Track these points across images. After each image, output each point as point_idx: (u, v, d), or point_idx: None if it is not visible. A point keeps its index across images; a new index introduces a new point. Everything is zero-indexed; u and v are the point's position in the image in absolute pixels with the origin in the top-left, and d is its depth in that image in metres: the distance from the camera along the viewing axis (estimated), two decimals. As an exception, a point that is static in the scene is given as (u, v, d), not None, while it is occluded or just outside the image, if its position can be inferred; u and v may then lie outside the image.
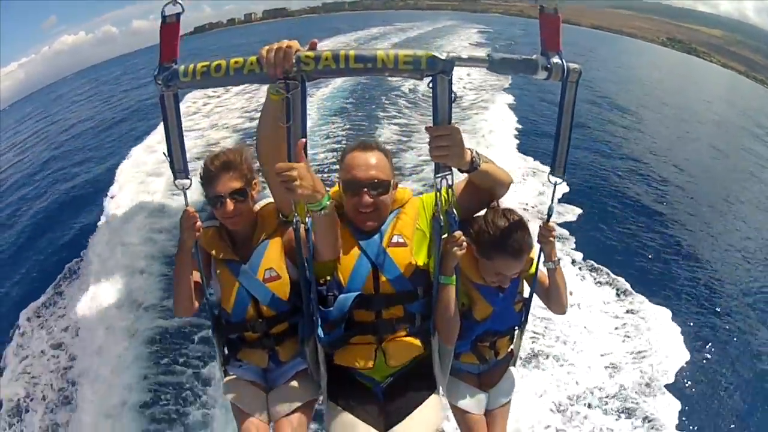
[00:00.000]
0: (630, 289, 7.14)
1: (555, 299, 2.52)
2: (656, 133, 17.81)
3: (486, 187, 2.30)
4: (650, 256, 8.71)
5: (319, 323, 2.23)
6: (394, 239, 2.25)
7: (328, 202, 1.94)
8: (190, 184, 2.23)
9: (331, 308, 2.21)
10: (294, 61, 1.75)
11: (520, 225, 2.31)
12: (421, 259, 2.28)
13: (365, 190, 2.18)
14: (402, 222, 2.30)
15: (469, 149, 1.99)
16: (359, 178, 2.18)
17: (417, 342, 2.33)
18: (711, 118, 24.62)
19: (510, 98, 17.13)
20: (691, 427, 5.21)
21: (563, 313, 2.61)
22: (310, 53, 1.77)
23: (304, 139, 1.86)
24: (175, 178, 2.19)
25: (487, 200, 2.38)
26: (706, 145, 18.66)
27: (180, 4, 1.92)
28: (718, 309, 7.48)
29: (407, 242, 2.26)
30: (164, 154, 2.19)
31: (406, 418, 2.27)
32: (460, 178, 2.24)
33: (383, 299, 2.24)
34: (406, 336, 2.31)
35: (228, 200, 2.26)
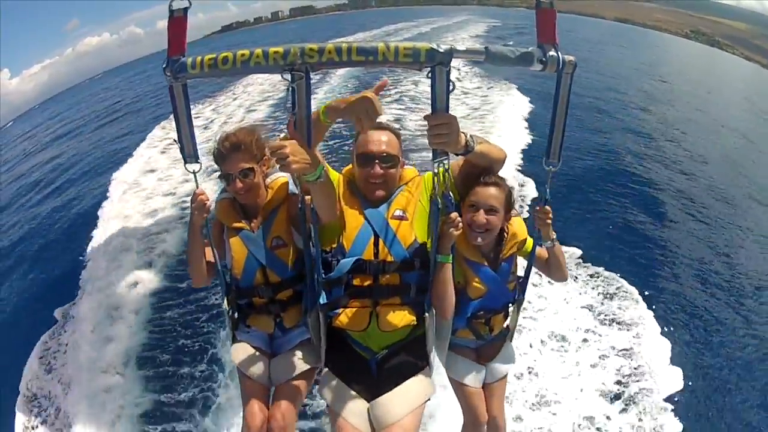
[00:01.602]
0: (626, 288, 6.66)
1: (555, 270, 2.57)
2: (676, 127, 16.82)
3: (482, 166, 2.36)
4: (660, 255, 8.07)
5: (321, 287, 2.31)
6: (397, 213, 2.33)
7: (321, 172, 1.98)
8: (200, 168, 2.30)
9: (333, 271, 2.29)
10: (299, 53, 1.79)
11: (493, 174, 2.42)
12: (419, 234, 2.34)
13: (376, 161, 2.28)
14: (405, 198, 2.38)
15: (463, 133, 2.04)
16: (372, 151, 2.28)
17: (410, 312, 2.37)
18: (730, 112, 23.33)
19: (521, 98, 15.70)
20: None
21: (565, 279, 2.67)
22: (314, 46, 1.80)
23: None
24: (186, 162, 2.27)
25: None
26: (729, 138, 17.75)
27: None
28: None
29: (408, 216, 2.34)
30: (174, 140, 2.26)
31: (393, 389, 2.33)
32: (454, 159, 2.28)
33: (381, 265, 2.29)
34: (400, 304, 2.36)
35: (237, 178, 2.36)
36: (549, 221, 2.37)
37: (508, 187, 2.45)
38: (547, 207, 2.36)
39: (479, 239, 2.42)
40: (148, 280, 7.05)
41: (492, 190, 2.38)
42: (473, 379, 2.69)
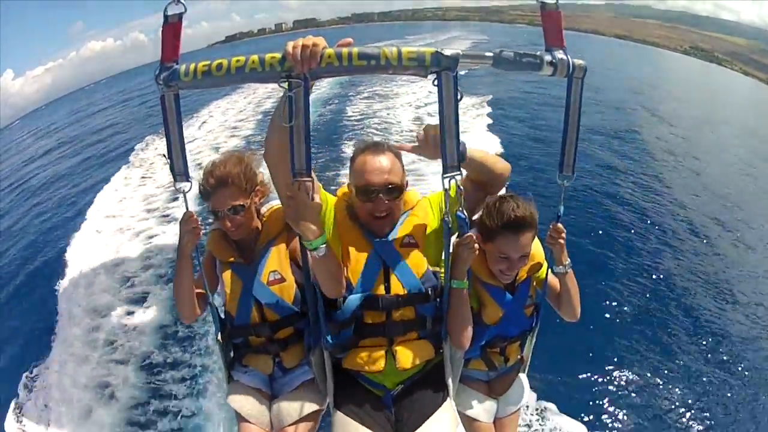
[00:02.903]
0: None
1: (566, 305, 2.34)
2: (668, 144, 16.45)
3: (484, 180, 2.17)
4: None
5: (327, 328, 2.13)
6: (406, 240, 2.13)
7: (321, 245, 1.87)
8: (191, 187, 2.11)
9: (340, 309, 2.10)
10: (319, 60, 1.67)
11: (521, 202, 2.14)
12: (432, 261, 2.17)
13: (380, 195, 2.04)
14: (413, 223, 2.16)
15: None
16: (374, 183, 2.03)
17: (428, 345, 2.21)
18: (726, 128, 22.51)
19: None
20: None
21: (575, 319, 2.37)
22: None
23: (310, 182, 1.83)
24: (175, 181, 2.07)
25: (488, 193, 2.23)
26: (725, 154, 17.28)
27: (182, 3, 1.87)
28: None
29: (419, 243, 2.14)
30: (164, 156, 2.08)
31: (420, 427, 2.12)
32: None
33: (394, 300, 2.10)
34: (417, 339, 2.19)
35: (226, 217, 2.19)
36: (562, 241, 2.16)
37: (535, 214, 2.15)
38: (560, 225, 2.15)
39: (508, 280, 2.26)
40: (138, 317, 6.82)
41: (527, 237, 2.13)
42: (484, 414, 2.53)
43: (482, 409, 2.52)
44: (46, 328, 6.99)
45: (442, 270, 2.14)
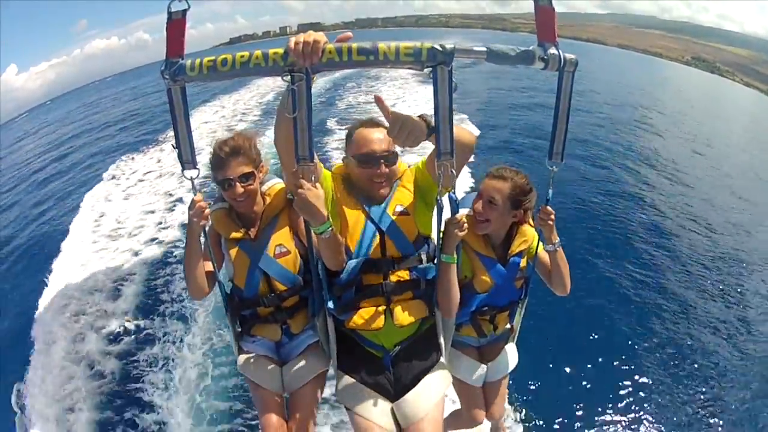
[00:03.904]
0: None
1: (557, 280, 2.51)
2: (670, 157, 15.75)
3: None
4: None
5: (329, 293, 2.30)
6: (398, 208, 2.30)
7: (328, 229, 2.00)
8: (198, 174, 2.19)
9: (341, 275, 2.26)
10: (320, 54, 1.74)
11: (514, 168, 2.46)
12: (421, 227, 2.33)
13: (382, 161, 2.24)
14: (402, 193, 2.35)
15: (420, 116, 1.99)
16: (376, 151, 2.23)
17: (422, 305, 2.35)
18: (726, 138, 22.73)
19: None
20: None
21: (566, 293, 2.55)
22: None
23: (314, 167, 1.90)
24: (183, 168, 2.16)
25: (458, 164, 2.20)
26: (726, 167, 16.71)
27: (186, 0, 1.93)
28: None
29: (409, 211, 2.31)
30: (172, 146, 2.19)
31: (416, 385, 2.30)
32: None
33: (390, 262, 2.27)
34: (412, 299, 2.33)
35: (237, 183, 2.29)
36: (551, 222, 2.32)
37: (521, 184, 2.40)
38: (549, 207, 2.31)
39: (480, 229, 2.45)
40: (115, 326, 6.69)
41: (496, 183, 2.39)
42: (474, 378, 2.69)
43: (472, 373, 2.68)
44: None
45: (433, 237, 2.34)
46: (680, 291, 7.54)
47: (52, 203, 13.23)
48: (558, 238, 2.38)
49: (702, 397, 5.48)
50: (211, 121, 17.40)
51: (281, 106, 1.94)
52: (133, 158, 15.11)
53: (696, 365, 5.93)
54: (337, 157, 11.38)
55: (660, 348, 6.13)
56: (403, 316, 2.29)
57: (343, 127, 13.22)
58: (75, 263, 8.60)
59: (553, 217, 2.31)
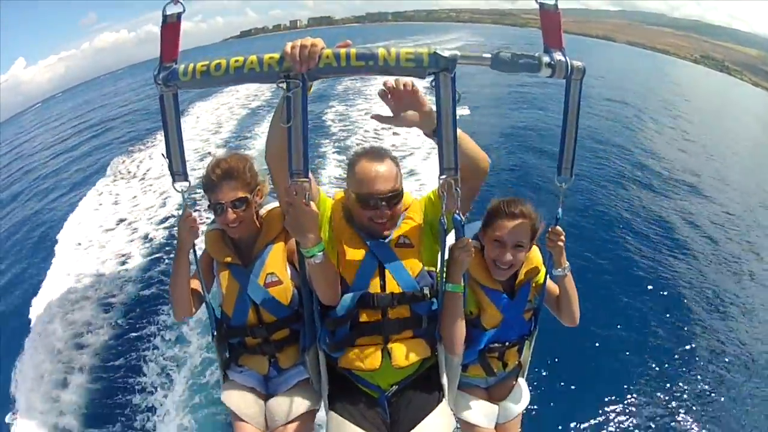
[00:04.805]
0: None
1: (565, 309, 2.33)
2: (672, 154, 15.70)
3: (467, 165, 1.98)
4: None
5: (323, 326, 2.17)
6: (401, 240, 2.13)
7: (318, 252, 1.88)
8: (189, 186, 2.11)
9: (337, 308, 2.10)
10: (317, 60, 1.67)
11: (519, 198, 2.26)
12: (427, 261, 2.16)
13: (383, 204, 2.04)
14: (407, 226, 2.16)
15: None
16: (378, 192, 2.02)
17: (423, 344, 2.18)
18: (729, 139, 21.85)
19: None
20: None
21: (575, 324, 2.36)
22: None
23: (307, 183, 1.78)
24: (174, 180, 2.08)
25: (470, 188, 2.09)
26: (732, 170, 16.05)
27: (181, 3, 1.88)
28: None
29: (413, 244, 2.14)
30: (162, 155, 2.09)
31: (415, 428, 2.10)
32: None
33: (389, 298, 2.09)
34: (412, 337, 2.17)
35: (229, 209, 2.17)
36: (561, 243, 2.15)
37: (535, 215, 2.22)
38: (559, 228, 2.13)
39: (503, 276, 2.26)
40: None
41: (519, 224, 2.18)
42: (485, 420, 2.48)
43: (483, 415, 2.48)
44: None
45: (438, 270, 2.15)
46: (702, 315, 7.08)
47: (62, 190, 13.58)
48: (567, 263, 2.22)
49: None
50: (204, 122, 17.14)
51: (275, 117, 1.85)
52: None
53: (722, 400, 5.65)
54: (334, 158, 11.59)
55: (676, 378, 5.85)
56: (402, 356, 2.13)
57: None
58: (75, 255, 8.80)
59: (563, 238, 2.15)
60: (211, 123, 16.99)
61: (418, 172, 10.25)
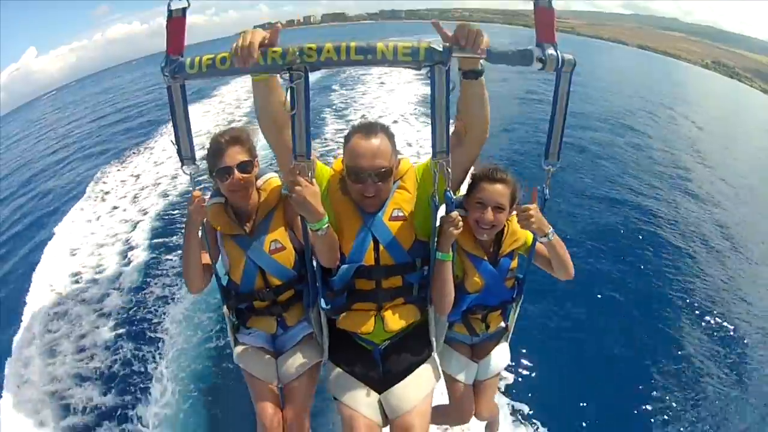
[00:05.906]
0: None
1: (558, 266, 2.40)
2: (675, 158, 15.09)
3: (470, 122, 2.13)
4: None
5: (322, 293, 2.28)
6: (394, 213, 2.21)
7: (324, 226, 1.98)
8: (197, 169, 2.22)
9: (335, 278, 2.22)
10: (297, 52, 1.76)
11: (500, 166, 2.38)
12: (419, 232, 2.24)
13: (369, 178, 2.11)
14: (402, 196, 2.25)
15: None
16: (363, 167, 2.09)
17: (414, 309, 2.34)
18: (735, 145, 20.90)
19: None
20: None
21: (570, 277, 2.42)
22: (313, 45, 1.76)
23: (311, 162, 1.91)
24: (182, 164, 2.18)
25: (468, 158, 2.23)
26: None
27: None
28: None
29: (407, 216, 2.22)
30: (172, 141, 2.19)
31: (404, 379, 2.31)
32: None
33: (383, 270, 2.22)
34: (403, 304, 2.32)
35: (236, 171, 2.27)
36: (532, 219, 2.18)
37: (514, 182, 2.34)
38: (526, 205, 2.21)
39: (485, 235, 2.37)
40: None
41: (499, 187, 2.30)
42: (464, 375, 2.67)
43: (463, 370, 2.67)
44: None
45: (430, 238, 2.25)
46: (683, 294, 7.25)
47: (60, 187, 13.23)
48: (550, 227, 2.26)
49: (698, 399, 5.27)
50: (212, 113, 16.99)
51: (255, 91, 2.03)
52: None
53: (697, 368, 5.73)
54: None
55: (658, 347, 5.96)
56: (394, 321, 2.30)
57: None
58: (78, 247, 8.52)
59: (531, 212, 2.18)
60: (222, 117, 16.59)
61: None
